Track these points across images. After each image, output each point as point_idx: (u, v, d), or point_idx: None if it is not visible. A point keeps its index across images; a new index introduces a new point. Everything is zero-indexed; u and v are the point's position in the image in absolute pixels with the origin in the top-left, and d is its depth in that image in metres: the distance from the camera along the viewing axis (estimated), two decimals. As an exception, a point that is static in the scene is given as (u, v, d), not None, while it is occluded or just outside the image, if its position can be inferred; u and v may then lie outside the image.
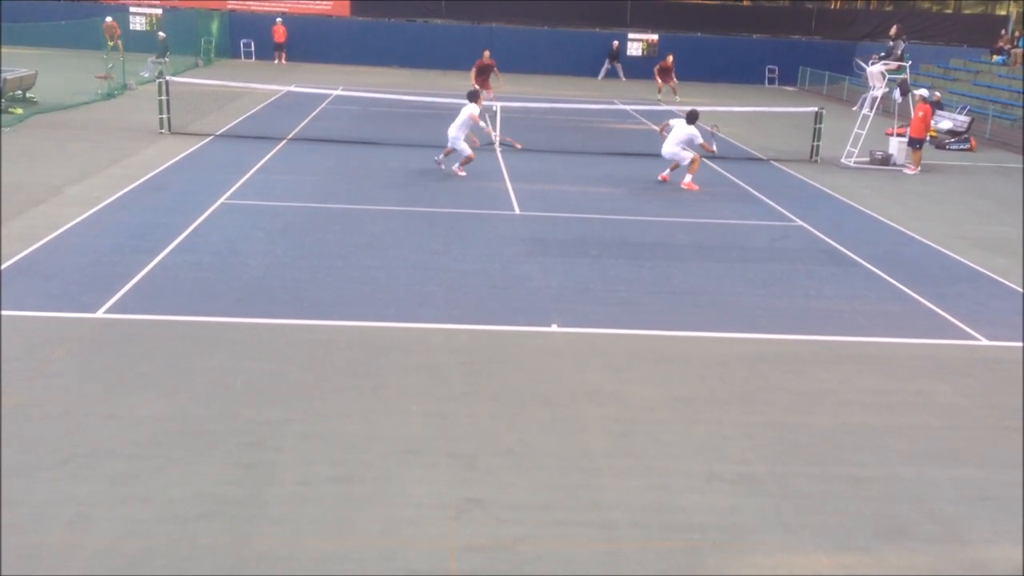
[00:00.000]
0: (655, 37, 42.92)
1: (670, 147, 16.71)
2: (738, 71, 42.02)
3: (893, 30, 23.98)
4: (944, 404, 7.88)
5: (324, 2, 42.39)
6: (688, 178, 16.72)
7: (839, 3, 50.56)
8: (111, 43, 32.62)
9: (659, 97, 32.78)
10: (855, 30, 43.59)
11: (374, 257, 11.29)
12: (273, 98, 26.70)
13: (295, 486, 6.01)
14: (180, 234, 11.74)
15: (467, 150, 16.62)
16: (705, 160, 20.52)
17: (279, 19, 40.27)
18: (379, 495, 5.95)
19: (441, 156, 17.05)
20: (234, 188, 14.64)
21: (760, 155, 21.44)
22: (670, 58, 33.80)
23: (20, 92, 22.25)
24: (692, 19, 43.82)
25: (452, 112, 24.39)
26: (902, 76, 22.02)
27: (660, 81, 33.28)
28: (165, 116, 19.63)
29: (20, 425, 6.58)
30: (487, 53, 25.35)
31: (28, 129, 19.20)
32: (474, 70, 25.08)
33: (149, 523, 5.50)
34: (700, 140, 16.45)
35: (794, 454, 6.82)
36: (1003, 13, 43.01)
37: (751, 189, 17.08)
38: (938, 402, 7.91)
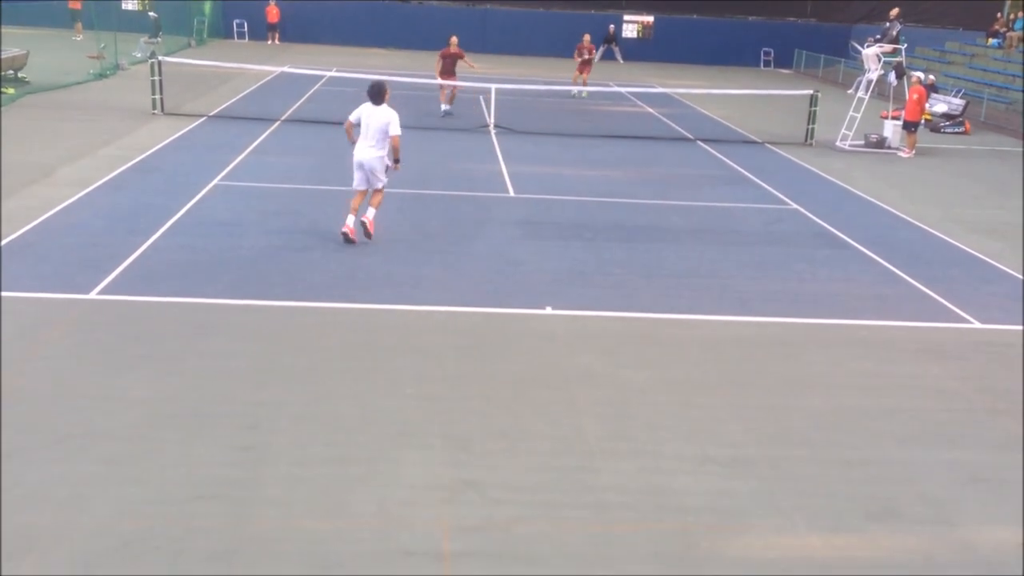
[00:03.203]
0: (651, 19, 42.78)
1: (369, 153, 10.82)
2: (733, 54, 41.91)
3: (894, 12, 23.87)
4: (936, 387, 7.91)
5: (318, -18, 42.12)
6: (372, 213, 11.07)
7: (835, -15, 50.33)
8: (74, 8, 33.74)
9: (581, 92, 27.56)
10: (851, 13, 43.45)
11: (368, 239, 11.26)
12: (266, 79, 26.57)
13: (290, 467, 6.02)
14: (173, 215, 11.70)
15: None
16: (700, 143, 20.54)
17: (272, -1, 40.04)
18: (373, 476, 5.97)
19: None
20: (227, 169, 14.59)
21: (755, 138, 21.42)
22: (587, 37, 27.98)
23: (12, 72, 22.11)
24: (687, 1, 43.66)
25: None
26: (898, 59, 22.01)
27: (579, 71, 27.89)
28: (158, 97, 19.54)
29: (14, 406, 6.57)
30: (454, 40, 21.94)
31: (20, 109, 19.09)
32: (440, 60, 21.86)
33: (144, 504, 5.51)
34: (398, 132, 10.73)
35: (787, 437, 6.84)
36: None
37: (745, 172, 17.07)
38: (930, 385, 7.95)
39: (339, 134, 18.72)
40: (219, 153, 15.70)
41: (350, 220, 10.89)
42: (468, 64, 22.34)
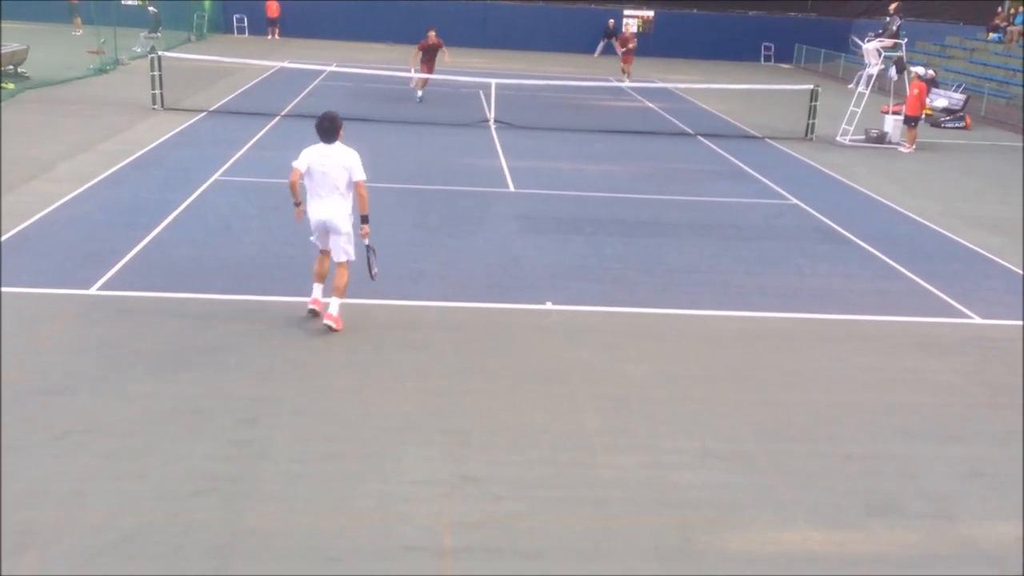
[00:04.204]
0: (650, 13, 42.71)
1: (330, 209, 8.12)
2: (733, 48, 41.84)
3: (892, 7, 23.85)
4: (936, 382, 7.91)
5: (318, -23, 42.06)
6: (335, 306, 8.18)
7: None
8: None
9: (627, 82, 29.68)
10: (851, 7, 43.39)
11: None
12: (266, 74, 26.53)
13: (289, 463, 6.02)
14: (174, 211, 11.69)
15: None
16: (700, 138, 20.52)
17: (272, -6, 39.97)
18: (373, 472, 5.97)
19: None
20: (227, 165, 14.58)
21: (755, 133, 21.40)
22: (629, 30, 31.34)
23: (12, 67, 22.08)
24: (687, -4, 43.64)
25: (446, 89, 24.37)
26: (898, 54, 21.98)
27: (624, 62, 30.62)
28: (157, 92, 19.52)
29: (14, 402, 6.57)
30: (432, 33, 23.00)
31: (20, 104, 19.06)
32: (418, 52, 22.91)
33: (144, 499, 5.51)
34: (364, 177, 8.08)
35: (786, 431, 6.84)
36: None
37: (745, 167, 17.06)
38: (930, 380, 7.94)
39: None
40: (219, 148, 15.68)
41: (317, 290, 8.41)
42: (444, 54, 23.37)
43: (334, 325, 8.13)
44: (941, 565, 5.34)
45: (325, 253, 8.40)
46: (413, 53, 23.27)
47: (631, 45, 30.41)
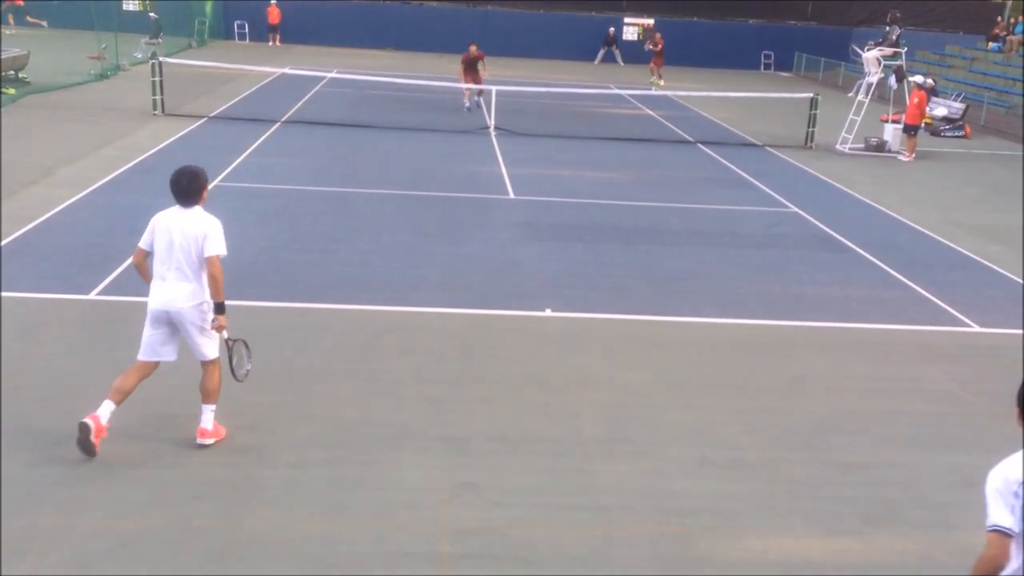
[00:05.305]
0: (651, 21, 42.78)
1: (175, 293, 6.13)
2: (733, 56, 41.88)
3: (888, 15, 23.89)
4: (935, 390, 7.91)
5: (319, -17, 42.13)
6: (208, 416, 6.26)
7: (836, -11, 50.32)
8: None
9: (659, 83, 31.97)
10: (852, 16, 43.47)
11: (368, 241, 11.27)
12: (267, 80, 26.56)
13: (288, 469, 6.01)
14: (173, 216, 11.68)
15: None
16: (700, 145, 20.55)
17: (273, 0, 40.01)
18: (372, 478, 5.96)
19: None
20: (227, 171, 14.59)
21: (755, 141, 21.42)
22: (657, 34, 33.94)
23: (12, 72, 22.11)
24: (687, 3, 43.65)
25: (446, 96, 24.40)
26: (898, 62, 22.01)
27: (654, 64, 33.01)
28: (158, 97, 19.55)
29: (14, 406, 6.56)
30: (473, 47, 23.40)
31: (20, 109, 19.09)
32: (461, 65, 23.39)
33: (142, 505, 5.50)
34: (220, 251, 6.38)
35: (786, 439, 6.84)
36: (999, 0, 42.89)
37: (745, 175, 17.07)
38: (929, 388, 7.94)
39: (339, 135, 18.83)
40: (219, 154, 15.69)
41: (105, 407, 6.03)
42: (483, 67, 23.36)
43: (208, 442, 6.24)
44: (940, 574, 5.33)
45: (145, 366, 6.25)
46: (460, 68, 23.53)
47: (658, 47, 32.74)
